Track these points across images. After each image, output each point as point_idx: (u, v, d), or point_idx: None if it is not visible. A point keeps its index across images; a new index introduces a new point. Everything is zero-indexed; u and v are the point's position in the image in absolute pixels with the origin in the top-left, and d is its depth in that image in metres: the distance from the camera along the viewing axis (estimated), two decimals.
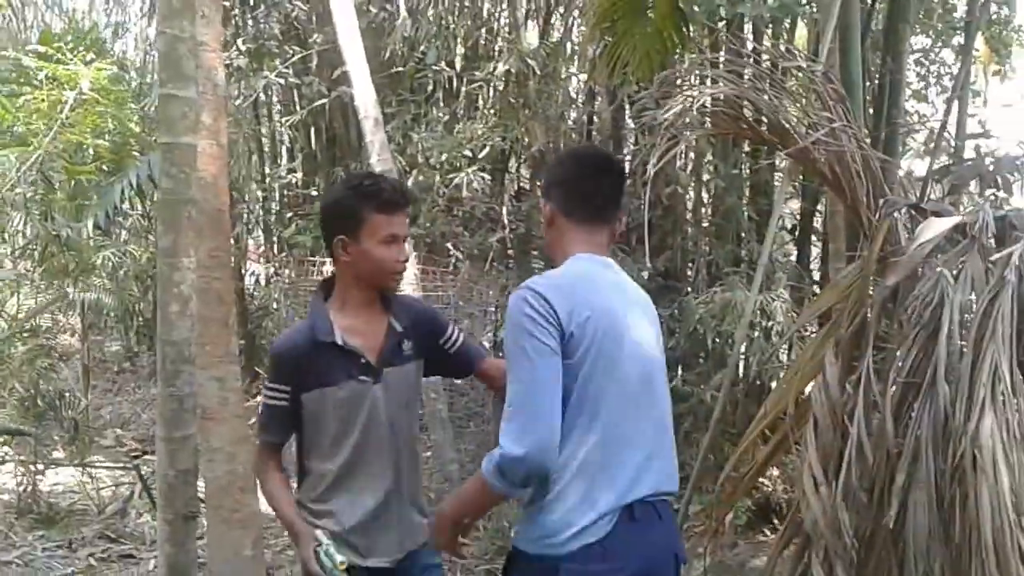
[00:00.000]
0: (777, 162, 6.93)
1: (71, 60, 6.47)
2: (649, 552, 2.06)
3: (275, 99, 9.59)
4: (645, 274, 6.67)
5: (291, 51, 7.83)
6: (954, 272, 2.39)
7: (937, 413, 2.16)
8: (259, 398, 7.16)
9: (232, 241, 6.75)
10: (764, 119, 3.03)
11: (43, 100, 6.59)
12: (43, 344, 6.13)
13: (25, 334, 6.43)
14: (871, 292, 2.59)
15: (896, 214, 2.75)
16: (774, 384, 6.95)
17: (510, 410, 1.96)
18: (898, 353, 2.38)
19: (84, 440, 6.51)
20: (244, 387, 6.19)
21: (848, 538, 2.24)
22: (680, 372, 6.64)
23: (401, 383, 2.45)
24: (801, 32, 7.57)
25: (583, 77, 8.23)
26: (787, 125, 2.87)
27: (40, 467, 5.57)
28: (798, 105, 3.00)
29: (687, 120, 3.19)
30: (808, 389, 2.72)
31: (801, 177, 6.08)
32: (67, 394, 6.52)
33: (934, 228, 2.50)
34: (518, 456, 1.90)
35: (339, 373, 2.36)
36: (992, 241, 2.45)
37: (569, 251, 2.20)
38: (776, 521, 5.76)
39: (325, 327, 2.37)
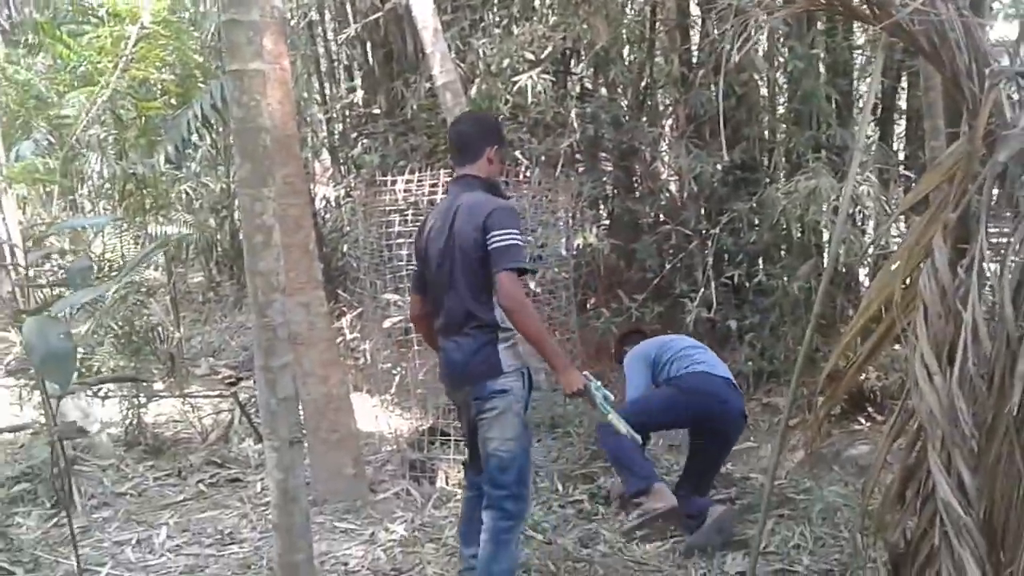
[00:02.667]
0: (856, 39, 6.59)
1: None
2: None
3: (328, 16, 9.45)
4: (720, 167, 6.49)
5: None
6: None
7: None
8: (343, 320, 7.26)
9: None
10: None
11: (106, 37, 6.57)
12: (132, 281, 6.24)
13: (113, 273, 6.58)
14: (979, 170, 2.43)
15: (1001, 84, 2.56)
16: (862, 273, 6.79)
17: None
18: (1014, 232, 2.24)
19: (181, 372, 6.71)
20: (328, 310, 6.28)
21: (967, 427, 2.17)
22: (762, 265, 6.51)
23: None
24: None
25: None
26: None
27: (143, 400, 5.76)
28: None
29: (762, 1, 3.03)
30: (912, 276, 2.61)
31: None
32: (159, 328, 6.70)
33: None
34: None
35: None
36: None
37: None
38: (871, 409, 5.69)
39: None
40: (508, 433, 3.03)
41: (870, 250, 5.96)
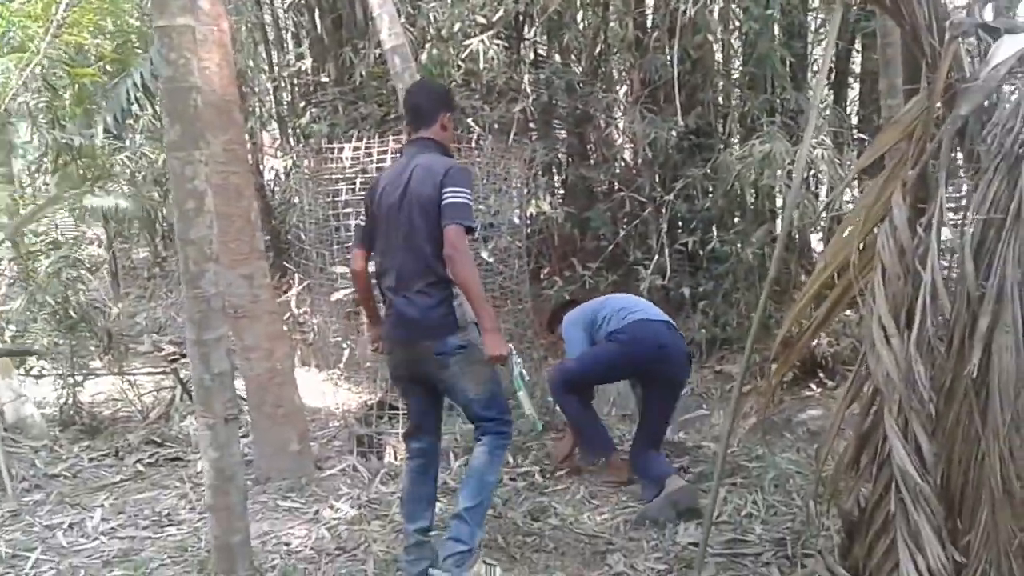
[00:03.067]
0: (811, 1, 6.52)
1: None
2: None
3: None
4: (675, 133, 6.39)
5: None
6: None
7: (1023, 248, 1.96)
8: (290, 293, 7.07)
9: (247, 136, 6.50)
10: None
11: (37, 2, 6.28)
12: (67, 255, 5.99)
13: (48, 246, 6.31)
14: (938, 126, 2.35)
15: (960, 38, 2.48)
16: (815, 239, 6.77)
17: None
18: (975, 189, 2.17)
19: (120, 348, 6.48)
20: (274, 284, 6.08)
21: (925, 391, 2.10)
22: (716, 232, 6.44)
23: None
24: None
25: None
26: None
27: (78, 378, 5.54)
28: None
29: None
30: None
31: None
32: (98, 304, 6.45)
33: (1009, 47, 2.24)
34: None
35: None
36: None
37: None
38: (822, 375, 5.68)
39: None
40: (480, 378, 3.17)
41: (824, 214, 5.93)
